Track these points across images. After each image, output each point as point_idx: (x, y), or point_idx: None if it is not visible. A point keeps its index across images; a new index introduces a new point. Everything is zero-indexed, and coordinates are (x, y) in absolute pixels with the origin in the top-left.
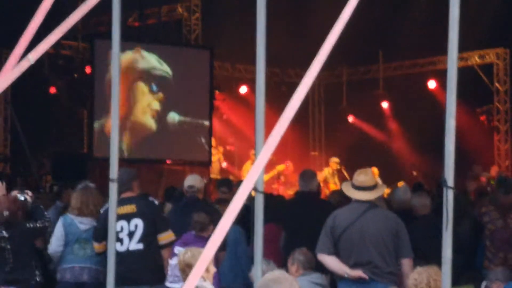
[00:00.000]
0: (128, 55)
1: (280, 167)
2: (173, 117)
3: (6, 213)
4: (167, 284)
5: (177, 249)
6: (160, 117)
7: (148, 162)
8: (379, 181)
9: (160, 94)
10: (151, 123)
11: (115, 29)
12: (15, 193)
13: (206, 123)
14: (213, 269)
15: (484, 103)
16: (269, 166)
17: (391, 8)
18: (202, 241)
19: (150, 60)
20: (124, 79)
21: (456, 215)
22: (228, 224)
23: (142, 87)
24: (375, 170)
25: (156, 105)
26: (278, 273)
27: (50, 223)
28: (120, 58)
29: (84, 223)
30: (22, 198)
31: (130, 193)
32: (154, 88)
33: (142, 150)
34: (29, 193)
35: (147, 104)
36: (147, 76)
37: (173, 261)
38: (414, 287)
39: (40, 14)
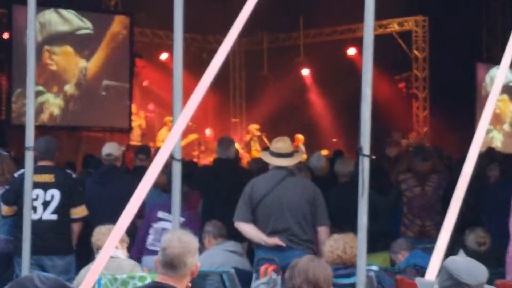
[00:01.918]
0: (48, 18)
1: (192, 136)
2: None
3: None
4: (147, 246)
5: (161, 214)
6: (85, 79)
7: (67, 130)
8: (303, 148)
9: (85, 52)
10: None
11: None
12: None
13: (127, 88)
14: (127, 239)
15: (402, 71)
16: (188, 133)
17: None
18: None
19: (72, 21)
20: (45, 44)
21: (381, 183)
22: (145, 191)
23: (69, 50)
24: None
25: (83, 63)
26: None
27: None
28: (41, 21)
29: None
30: None
31: (49, 162)
32: (80, 45)
33: (62, 117)
34: None
35: (76, 66)
36: (72, 37)
37: (158, 225)
38: (330, 254)
39: None
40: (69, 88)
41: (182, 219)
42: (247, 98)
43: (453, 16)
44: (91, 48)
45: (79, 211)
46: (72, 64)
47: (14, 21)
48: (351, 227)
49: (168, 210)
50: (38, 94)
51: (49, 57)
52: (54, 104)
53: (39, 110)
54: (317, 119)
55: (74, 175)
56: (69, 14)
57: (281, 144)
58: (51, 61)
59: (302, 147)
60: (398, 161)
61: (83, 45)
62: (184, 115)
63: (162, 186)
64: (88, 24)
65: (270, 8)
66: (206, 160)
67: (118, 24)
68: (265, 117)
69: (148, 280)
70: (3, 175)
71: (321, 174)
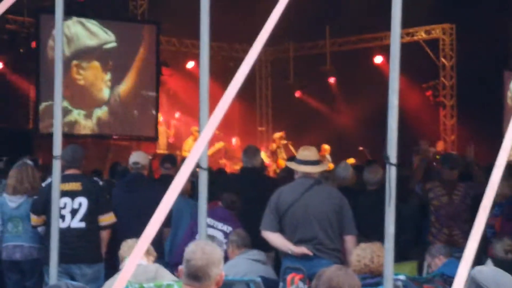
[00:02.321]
0: (75, 31)
1: (219, 145)
2: (119, 90)
3: None
4: None
5: (209, 220)
6: (112, 90)
7: (95, 138)
8: (329, 158)
9: (110, 64)
10: (106, 95)
11: (58, 4)
12: None
13: (153, 98)
14: (153, 253)
15: (430, 79)
16: (214, 141)
17: None
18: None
19: (98, 34)
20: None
21: (401, 191)
22: (172, 200)
23: (96, 65)
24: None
25: (109, 76)
26: None
27: None
28: (68, 35)
29: (13, 201)
30: None
31: (76, 170)
32: (107, 59)
33: (94, 125)
34: None
35: (102, 80)
36: (100, 52)
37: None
38: (358, 263)
39: None
40: (99, 106)
41: (230, 228)
42: (273, 107)
43: (480, 23)
44: (116, 60)
45: (107, 218)
46: (98, 78)
47: (41, 31)
48: (378, 236)
49: (215, 217)
50: (66, 112)
51: (77, 72)
52: (84, 125)
53: (70, 125)
54: (343, 128)
55: (101, 183)
56: (94, 26)
57: (307, 152)
58: (79, 76)
59: (328, 157)
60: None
61: (108, 58)
62: (211, 124)
63: (188, 193)
64: (112, 36)
65: (296, 17)
66: (232, 168)
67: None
68: (291, 125)
69: None
70: (22, 184)
71: (348, 183)
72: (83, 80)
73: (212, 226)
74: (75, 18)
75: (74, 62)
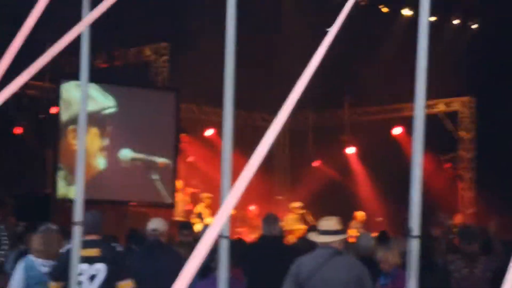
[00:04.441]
0: (74, 95)
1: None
2: (127, 155)
3: None
4: None
5: None
6: (116, 158)
7: (112, 204)
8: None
9: (110, 130)
10: (102, 164)
11: (83, 70)
12: None
13: (171, 164)
14: None
15: (448, 151)
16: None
17: (358, 54)
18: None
19: (97, 99)
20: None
21: (426, 263)
22: (194, 269)
23: (94, 131)
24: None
25: (106, 142)
26: None
27: (7, 251)
28: (65, 99)
29: (46, 266)
30: None
31: (95, 236)
32: (105, 125)
33: (102, 193)
34: None
35: (98, 147)
36: (98, 117)
37: None
38: None
39: (8, 56)
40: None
41: None
42: (292, 176)
43: (500, 96)
44: (118, 124)
45: (126, 285)
46: (94, 145)
47: (61, 97)
48: None
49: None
50: (70, 180)
51: (74, 138)
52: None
53: None
54: (362, 198)
55: (120, 249)
56: (94, 91)
57: (328, 221)
58: (74, 141)
59: (357, 225)
60: (439, 242)
61: (106, 123)
62: (233, 194)
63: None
64: (112, 101)
65: (316, 87)
66: (250, 237)
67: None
68: (310, 195)
69: None
70: (49, 250)
71: (370, 254)
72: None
73: None
74: (72, 82)
75: (71, 127)
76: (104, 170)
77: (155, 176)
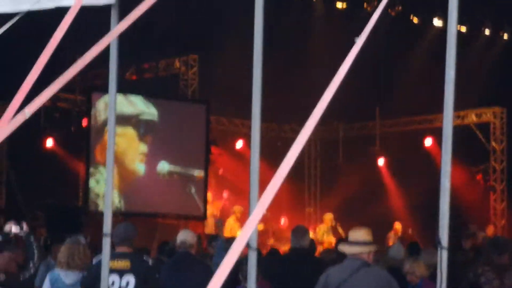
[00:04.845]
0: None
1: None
2: (164, 168)
3: (2, 276)
4: None
5: None
6: (151, 167)
7: (143, 216)
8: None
9: (148, 137)
10: (141, 170)
11: (112, 81)
12: (10, 224)
13: (202, 177)
14: None
15: (480, 162)
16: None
17: (388, 65)
18: None
19: (136, 104)
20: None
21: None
22: (221, 280)
23: (130, 132)
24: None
25: (144, 149)
26: None
27: (39, 261)
28: (106, 101)
29: (69, 277)
30: (17, 231)
31: (126, 249)
32: (143, 130)
33: (133, 203)
34: (24, 226)
35: (136, 150)
36: (136, 121)
37: None
38: None
39: (37, 67)
40: (132, 179)
41: None
42: (322, 187)
43: None
44: (157, 137)
45: None
46: (132, 147)
47: (93, 109)
48: None
49: None
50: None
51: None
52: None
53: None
54: (392, 209)
55: (150, 262)
56: (136, 99)
57: (357, 232)
58: None
59: (393, 236)
60: (477, 254)
61: (146, 130)
62: (261, 205)
63: None
64: (153, 110)
65: (346, 98)
66: (281, 249)
67: (194, 113)
68: (339, 206)
69: None
70: (73, 261)
71: (400, 265)
72: (116, 145)
73: None
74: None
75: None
76: (143, 176)
77: (192, 189)
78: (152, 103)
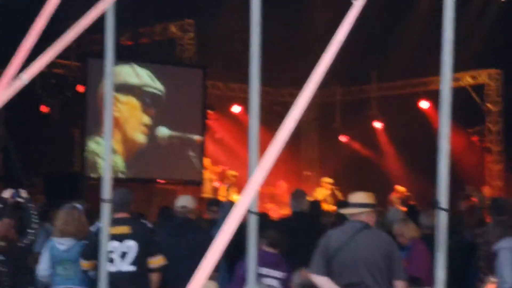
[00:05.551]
0: (121, 69)
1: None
2: (164, 133)
3: (2, 243)
4: None
5: (265, 270)
6: (151, 134)
7: (141, 182)
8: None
9: (152, 110)
10: (142, 139)
11: (108, 49)
12: (9, 191)
13: (199, 141)
14: None
15: (476, 124)
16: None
17: (384, 29)
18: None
19: (143, 77)
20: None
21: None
22: (223, 244)
23: (134, 102)
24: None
25: (147, 120)
26: None
27: (38, 228)
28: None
29: (63, 244)
30: (15, 197)
31: (124, 214)
32: (147, 102)
33: (135, 169)
34: (23, 192)
35: (138, 120)
36: (140, 92)
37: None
38: None
39: (33, 33)
40: (134, 147)
41: (282, 273)
42: (320, 151)
43: None
44: (159, 106)
45: (157, 261)
46: (135, 116)
47: (89, 75)
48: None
49: (267, 264)
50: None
51: (113, 103)
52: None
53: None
54: (389, 172)
55: (149, 225)
56: (142, 71)
57: (357, 195)
58: (115, 107)
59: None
60: (470, 215)
61: (151, 103)
62: (261, 169)
63: None
64: (159, 85)
65: (343, 62)
66: (279, 213)
67: (190, 77)
68: (337, 170)
69: None
70: (67, 227)
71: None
72: (118, 112)
73: (267, 275)
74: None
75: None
76: (143, 144)
77: (192, 153)
78: (157, 78)
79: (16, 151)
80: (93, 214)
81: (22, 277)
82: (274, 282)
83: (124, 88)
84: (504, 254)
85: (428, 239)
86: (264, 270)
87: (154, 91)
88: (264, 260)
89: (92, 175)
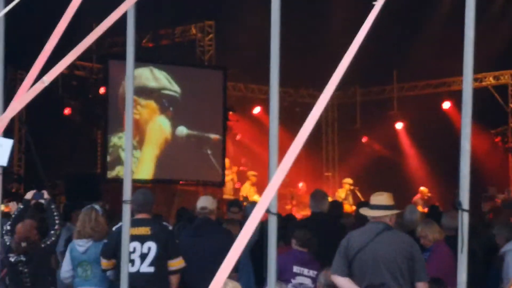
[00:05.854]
0: (141, 73)
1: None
2: (183, 133)
3: (24, 244)
4: None
5: (297, 269)
6: (171, 136)
7: (161, 183)
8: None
9: (170, 112)
10: (162, 141)
11: (129, 51)
12: (31, 193)
13: (220, 143)
14: None
15: (499, 124)
16: (282, 187)
17: (405, 29)
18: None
19: (161, 80)
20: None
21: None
22: (242, 245)
23: (153, 105)
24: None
25: (166, 122)
26: None
27: (60, 228)
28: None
29: (80, 245)
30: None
31: (145, 215)
32: (165, 104)
33: (156, 170)
34: (45, 194)
35: (158, 122)
36: (158, 95)
37: (295, 281)
38: None
39: (55, 36)
40: (155, 147)
41: (315, 272)
42: (340, 152)
43: None
44: (178, 107)
45: (176, 263)
46: (154, 119)
47: (110, 77)
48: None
49: (300, 263)
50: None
51: (134, 106)
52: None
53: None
54: (410, 173)
55: (170, 227)
56: (160, 73)
57: (379, 196)
58: (135, 110)
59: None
60: (495, 216)
61: (168, 105)
62: (281, 170)
63: None
64: (176, 87)
65: (363, 62)
66: (299, 214)
67: (211, 79)
68: (358, 171)
69: None
70: (85, 229)
71: (415, 227)
72: (139, 115)
73: (300, 274)
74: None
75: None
76: (165, 146)
77: (209, 151)
78: (175, 80)
79: (38, 152)
80: (113, 215)
81: (44, 278)
82: (307, 281)
83: (143, 92)
84: (511, 256)
85: (451, 241)
86: (297, 269)
87: (171, 93)
88: (296, 259)
89: (113, 172)
